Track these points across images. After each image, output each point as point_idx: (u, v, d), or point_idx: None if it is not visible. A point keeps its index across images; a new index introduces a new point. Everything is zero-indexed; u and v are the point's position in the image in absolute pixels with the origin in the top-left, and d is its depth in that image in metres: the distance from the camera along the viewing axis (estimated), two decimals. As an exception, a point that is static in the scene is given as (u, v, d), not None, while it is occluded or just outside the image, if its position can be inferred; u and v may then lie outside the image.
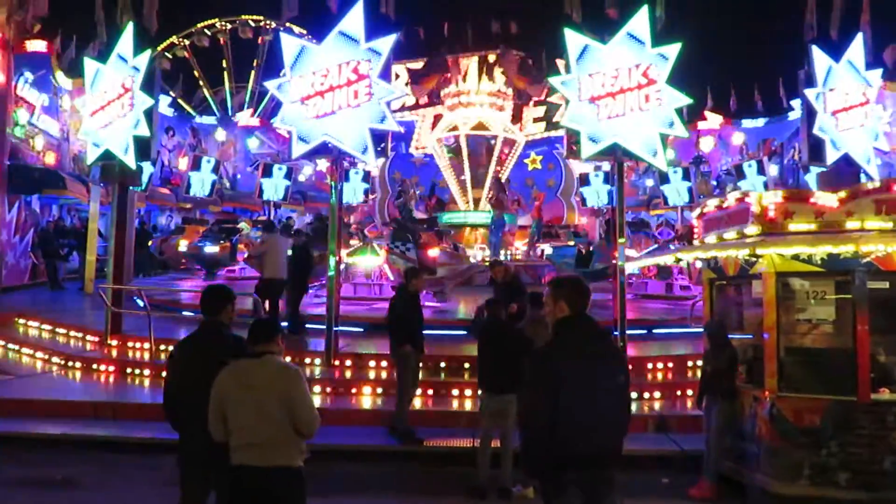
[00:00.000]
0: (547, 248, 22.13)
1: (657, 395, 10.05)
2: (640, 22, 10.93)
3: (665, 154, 11.21)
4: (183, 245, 20.19)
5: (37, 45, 19.14)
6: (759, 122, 29.78)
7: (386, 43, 10.62)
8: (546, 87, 25.30)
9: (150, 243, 20.17)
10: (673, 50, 10.90)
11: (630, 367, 5.02)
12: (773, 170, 26.45)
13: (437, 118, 27.33)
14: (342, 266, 15.84)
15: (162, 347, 11.07)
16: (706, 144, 30.00)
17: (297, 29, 25.48)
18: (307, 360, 10.93)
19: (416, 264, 14.10)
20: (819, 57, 12.85)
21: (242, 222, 23.62)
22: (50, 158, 20.18)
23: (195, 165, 26.57)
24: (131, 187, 12.88)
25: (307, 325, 12.28)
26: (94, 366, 11.32)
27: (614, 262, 11.10)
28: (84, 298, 16.93)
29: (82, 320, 13.75)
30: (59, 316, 14.16)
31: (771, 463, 6.82)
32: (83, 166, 19.06)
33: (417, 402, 9.25)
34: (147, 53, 12.07)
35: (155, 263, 21.07)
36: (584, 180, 27.51)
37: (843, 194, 7.04)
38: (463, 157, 25.54)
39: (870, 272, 6.71)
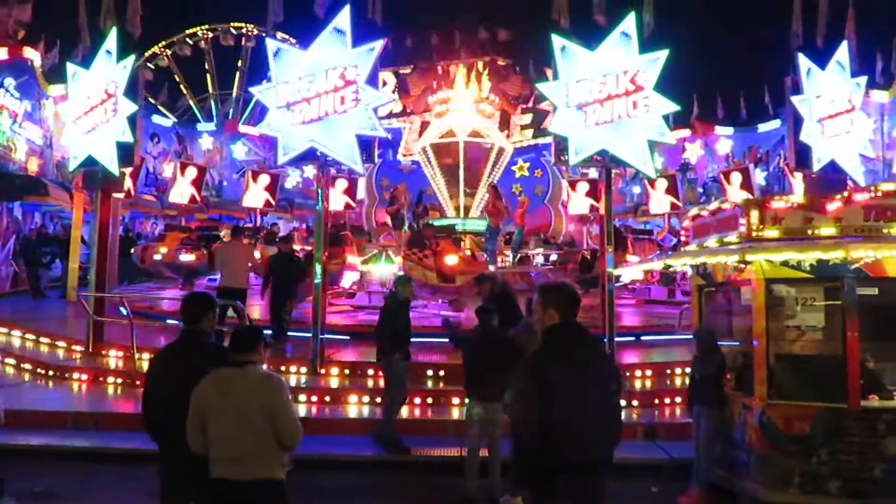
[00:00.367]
0: (552, 255, 22.23)
1: (646, 402, 9.98)
2: (627, 28, 10.92)
3: (653, 161, 11.20)
4: (159, 253, 19.37)
5: (19, 51, 18.95)
6: (759, 127, 29.92)
7: (373, 48, 10.55)
8: (533, 94, 25.38)
9: (132, 251, 19.83)
10: (660, 56, 10.89)
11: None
12: (759, 176, 26.62)
13: (425, 125, 27.26)
14: (357, 274, 15.75)
15: (145, 356, 10.89)
16: (692, 152, 30.21)
17: (280, 35, 25.34)
18: (293, 369, 10.80)
19: (434, 272, 13.93)
20: (805, 64, 12.91)
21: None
22: (33, 165, 19.96)
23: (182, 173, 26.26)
24: (114, 193, 12.72)
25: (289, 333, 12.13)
26: (76, 375, 11.14)
27: (609, 268, 11.03)
28: (66, 307, 16.71)
29: (64, 329, 13.56)
30: (41, 324, 13.95)
31: (761, 471, 6.78)
32: (66, 173, 18.84)
33: (404, 411, 9.15)
34: (131, 58, 11.94)
35: (140, 271, 20.81)
36: (572, 187, 27.50)
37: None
38: (458, 165, 25.44)
39: (859, 278, 6.68)
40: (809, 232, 6.79)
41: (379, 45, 10.62)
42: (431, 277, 14.53)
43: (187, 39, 34.46)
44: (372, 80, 10.58)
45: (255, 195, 24.22)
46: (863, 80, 14.16)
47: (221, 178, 31.42)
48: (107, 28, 12.20)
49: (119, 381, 10.88)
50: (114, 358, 11.88)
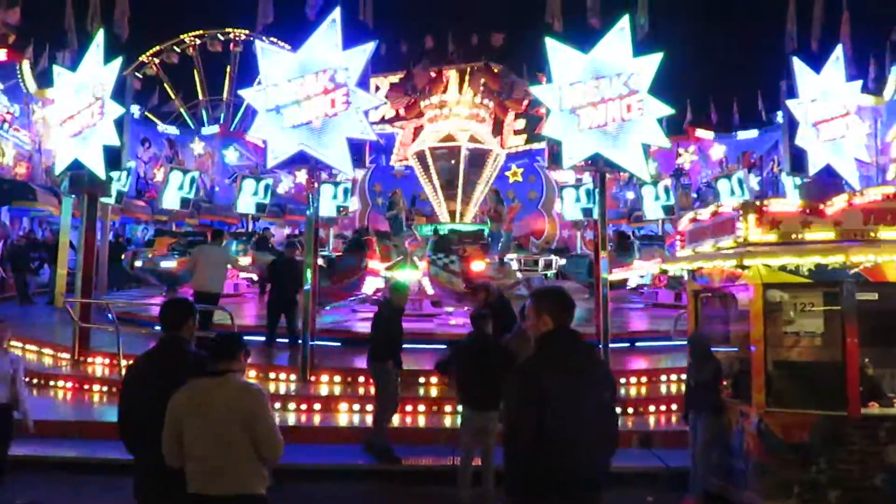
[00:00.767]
0: (561, 259, 22.19)
1: (641, 409, 9.83)
2: (621, 32, 10.82)
3: (647, 165, 11.09)
4: (139, 260, 18.77)
5: (7, 55, 18.78)
6: (738, 135, 30.03)
7: (364, 51, 10.40)
8: (527, 99, 25.30)
9: (122, 257, 19.57)
10: (655, 59, 10.79)
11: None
12: (752, 181, 26.61)
13: (418, 130, 27.16)
14: (381, 280, 15.49)
15: (132, 363, 10.68)
16: (686, 158, 30.22)
17: (269, 39, 25.25)
18: (282, 376, 10.62)
19: (460, 278, 13.68)
20: (800, 68, 12.84)
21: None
22: (21, 170, 19.77)
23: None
24: (102, 198, 12.54)
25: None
26: (61, 383, 10.93)
27: (607, 274, 10.88)
28: (53, 313, 16.48)
29: (50, 336, 13.34)
30: (27, 331, 13.70)
31: (759, 480, 6.64)
32: (55, 178, 18.64)
33: (396, 419, 8.98)
34: (118, 61, 11.76)
35: (130, 277, 20.57)
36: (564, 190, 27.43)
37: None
38: (451, 170, 25.31)
39: (858, 283, 6.56)
40: (808, 236, 6.67)
41: (370, 47, 10.47)
42: (457, 283, 14.23)
43: (174, 48, 34.32)
44: (363, 83, 10.44)
45: (247, 201, 24.11)
46: (858, 84, 14.10)
47: (213, 184, 31.24)
48: (94, 30, 12.04)
49: (104, 388, 10.68)
50: (100, 365, 11.67)
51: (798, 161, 12.79)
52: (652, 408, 9.87)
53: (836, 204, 6.72)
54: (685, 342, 8.09)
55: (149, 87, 33.07)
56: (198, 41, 34.87)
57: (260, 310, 15.09)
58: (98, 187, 12.18)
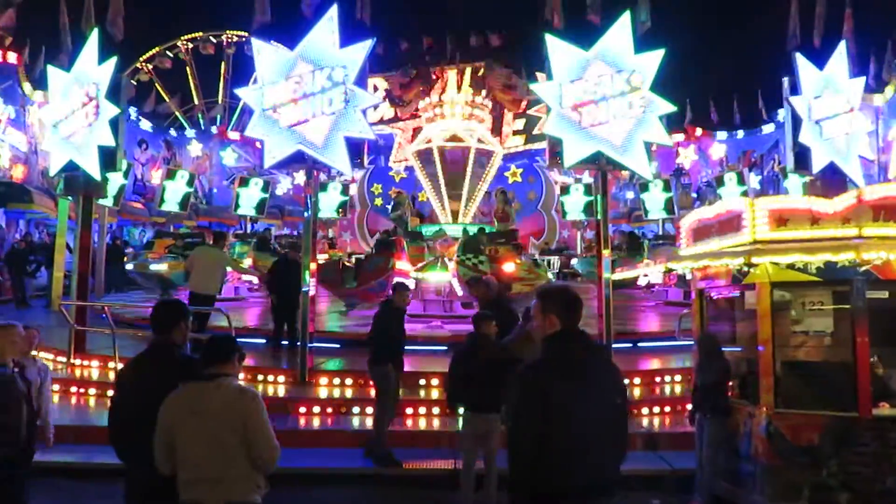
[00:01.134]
0: (573, 260, 22.11)
1: (646, 410, 9.69)
2: (622, 28, 10.69)
3: (650, 164, 10.94)
4: (131, 262, 18.41)
5: (3, 57, 18.63)
6: (739, 133, 29.94)
7: (361, 49, 10.25)
8: (526, 99, 25.20)
9: (124, 259, 19.40)
10: (657, 56, 10.66)
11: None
12: (753, 181, 26.50)
13: (417, 130, 27.05)
14: (411, 281, 15.32)
15: (122, 368, 10.54)
16: (686, 157, 30.12)
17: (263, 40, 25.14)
18: (280, 379, 10.48)
19: (490, 278, 13.52)
20: (803, 65, 12.68)
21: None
22: (17, 172, 19.62)
23: (169, 177, 25.92)
24: (98, 200, 12.39)
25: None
26: (56, 387, 10.74)
27: (609, 273, 10.73)
28: (50, 316, 16.34)
29: (48, 339, 13.07)
30: (23, 334, 13.56)
31: (768, 483, 6.48)
32: (51, 179, 18.50)
33: (397, 422, 8.83)
34: (113, 60, 11.62)
35: (129, 280, 20.40)
36: (564, 191, 27.34)
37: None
38: (448, 170, 25.19)
39: (869, 281, 6.41)
40: (817, 233, 6.53)
41: (368, 45, 10.31)
42: None
43: (167, 52, 34.20)
44: (361, 82, 10.29)
45: (247, 202, 24.01)
46: (861, 80, 13.96)
47: (211, 185, 31.11)
48: (88, 29, 11.90)
49: (99, 392, 10.52)
50: (95, 368, 11.53)
51: (801, 158, 12.64)
52: (657, 409, 9.73)
53: (846, 200, 6.58)
54: (690, 342, 7.96)
55: (144, 91, 33.01)
56: (190, 44, 34.75)
57: (262, 312, 15.00)
58: (93, 189, 12.04)
